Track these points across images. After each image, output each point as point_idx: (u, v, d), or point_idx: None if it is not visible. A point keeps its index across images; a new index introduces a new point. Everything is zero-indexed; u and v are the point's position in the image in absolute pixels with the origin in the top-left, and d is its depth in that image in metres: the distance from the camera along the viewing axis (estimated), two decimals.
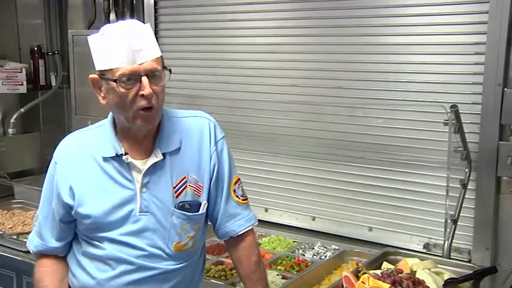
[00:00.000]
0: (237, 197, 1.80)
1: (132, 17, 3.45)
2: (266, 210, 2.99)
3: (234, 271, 2.35)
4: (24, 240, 2.62)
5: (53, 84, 3.90)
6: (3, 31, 3.96)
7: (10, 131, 3.70)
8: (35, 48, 3.85)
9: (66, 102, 3.93)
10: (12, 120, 3.70)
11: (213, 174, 1.74)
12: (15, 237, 2.73)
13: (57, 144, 1.77)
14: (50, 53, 3.88)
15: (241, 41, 3.01)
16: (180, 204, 1.68)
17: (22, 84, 3.71)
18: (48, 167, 1.76)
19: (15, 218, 3.07)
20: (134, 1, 3.49)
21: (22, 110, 3.75)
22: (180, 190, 1.68)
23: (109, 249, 1.66)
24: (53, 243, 1.74)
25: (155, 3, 3.28)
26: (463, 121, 2.30)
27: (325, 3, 2.72)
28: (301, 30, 2.82)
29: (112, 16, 3.52)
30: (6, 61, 3.77)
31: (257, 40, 2.96)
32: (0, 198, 3.44)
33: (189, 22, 3.19)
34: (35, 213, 1.82)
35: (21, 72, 3.71)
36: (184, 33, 3.19)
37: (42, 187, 1.78)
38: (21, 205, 3.32)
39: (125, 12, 3.50)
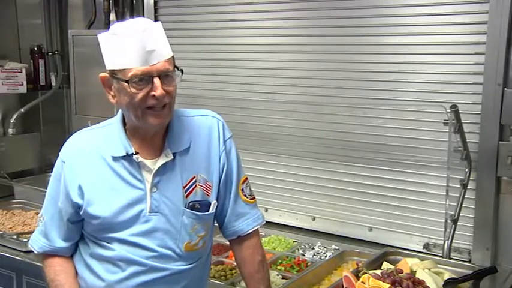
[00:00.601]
0: (245, 196, 1.79)
1: (132, 17, 3.45)
2: (266, 210, 2.99)
3: (234, 271, 2.35)
4: (25, 240, 2.62)
5: (53, 84, 3.90)
6: (3, 31, 3.95)
7: (10, 131, 3.69)
8: (35, 48, 3.85)
9: (66, 102, 3.93)
10: (12, 120, 3.69)
11: (222, 173, 1.73)
12: (15, 237, 2.72)
13: (60, 143, 1.76)
14: (50, 53, 3.88)
15: (241, 41, 3.01)
16: (191, 204, 1.67)
17: (22, 84, 3.70)
18: (53, 166, 1.75)
19: (15, 218, 3.06)
20: (134, 1, 3.49)
21: (22, 110, 3.74)
22: (190, 190, 1.67)
23: (119, 250, 1.64)
24: (60, 243, 1.72)
25: (155, 3, 3.28)
26: (463, 121, 2.30)
27: (325, 3, 2.72)
28: (301, 30, 2.82)
29: (112, 16, 3.52)
30: (6, 61, 3.77)
31: (257, 40, 2.96)
32: (0, 198, 3.43)
33: (189, 22, 3.18)
34: (37, 213, 1.81)
35: (21, 72, 3.70)
36: (184, 33, 3.19)
37: (42, 187, 1.77)
38: (21, 205, 3.29)
39: (124, 12, 3.50)
